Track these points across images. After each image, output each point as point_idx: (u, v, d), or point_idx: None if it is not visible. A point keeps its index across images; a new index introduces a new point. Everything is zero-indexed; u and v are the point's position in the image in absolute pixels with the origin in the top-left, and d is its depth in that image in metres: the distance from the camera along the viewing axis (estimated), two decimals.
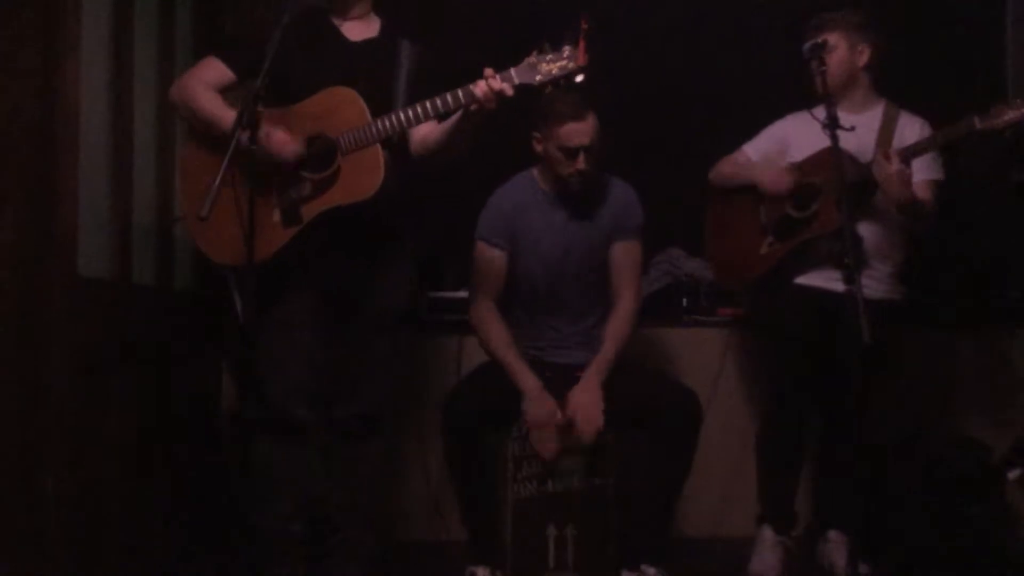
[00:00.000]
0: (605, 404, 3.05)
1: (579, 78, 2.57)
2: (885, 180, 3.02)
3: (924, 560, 3.20)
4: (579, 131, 3.09)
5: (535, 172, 3.28)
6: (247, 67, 2.75)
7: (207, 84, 2.75)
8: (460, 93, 2.60)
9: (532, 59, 2.58)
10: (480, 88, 2.56)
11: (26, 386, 2.51)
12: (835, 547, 3.19)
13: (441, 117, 2.68)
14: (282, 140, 2.66)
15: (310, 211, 2.67)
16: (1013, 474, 3.28)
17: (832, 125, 2.84)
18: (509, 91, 2.56)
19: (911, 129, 3.22)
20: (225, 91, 2.77)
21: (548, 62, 2.57)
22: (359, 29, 2.85)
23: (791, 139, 3.33)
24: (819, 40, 3.03)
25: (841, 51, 3.20)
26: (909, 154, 3.04)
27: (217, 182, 2.30)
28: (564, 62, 2.56)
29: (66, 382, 2.60)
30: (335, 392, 2.84)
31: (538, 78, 2.57)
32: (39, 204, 2.56)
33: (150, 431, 3.05)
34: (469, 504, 3.12)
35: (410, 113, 2.64)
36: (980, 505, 3.27)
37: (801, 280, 3.23)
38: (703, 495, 3.58)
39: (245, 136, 2.41)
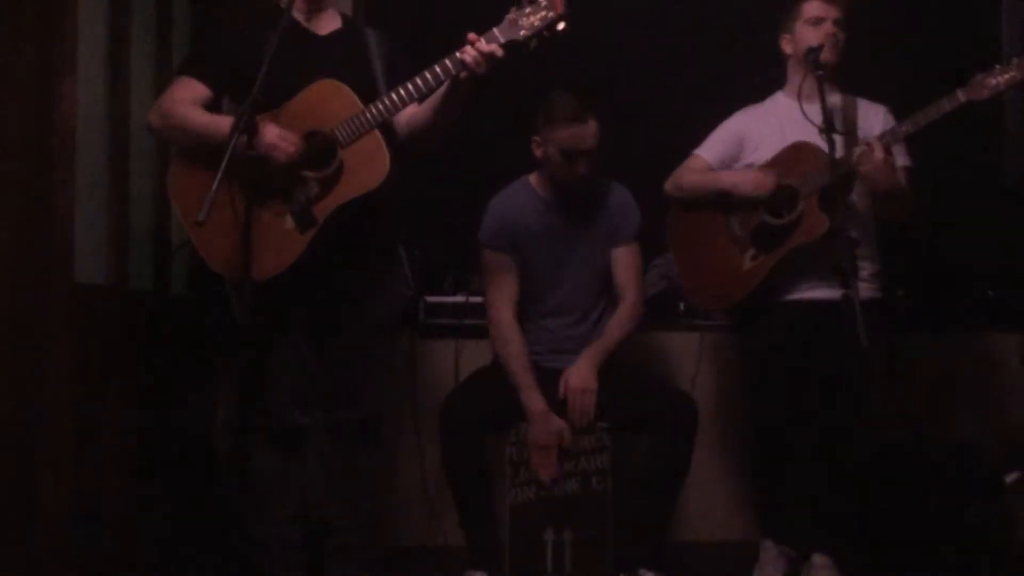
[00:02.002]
0: (601, 403, 3.06)
1: (561, 26, 2.54)
2: (871, 170, 2.92)
3: (922, 563, 3.21)
4: (580, 135, 3.08)
5: (532, 178, 3.29)
6: (221, 81, 2.74)
7: (187, 102, 2.71)
8: (448, 63, 2.58)
9: (512, 15, 2.56)
10: (468, 54, 2.53)
11: (23, 392, 2.51)
12: (820, 573, 3.07)
13: (433, 91, 2.63)
14: (274, 136, 2.58)
15: (323, 210, 2.63)
16: (1011, 478, 3.28)
17: (829, 129, 2.83)
18: (499, 51, 2.54)
19: (875, 117, 3.13)
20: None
21: (528, 15, 2.55)
22: (325, 23, 2.83)
23: (747, 137, 3.19)
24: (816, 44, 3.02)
25: (844, 32, 3.09)
26: (891, 140, 2.95)
27: (215, 186, 2.29)
28: (543, 12, 2.54)
29: (62, 388, 2.60)
30: (332, 397, 2.84)
31: (522, 33, 2.55)
32: (36, 210, 2.55)
33: (147, 438, 3.04)
34: (467, 508, 3.11)
35: (402, 92, 2.61)
36: (978, 509, 3.27)
37: (787, 297, 3.09)
38: (701, 499, 3.58)
39: (242, 141, 2.40)
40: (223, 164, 2.33)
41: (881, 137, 2.95)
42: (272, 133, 2.58)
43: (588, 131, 3.09)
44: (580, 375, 3.09)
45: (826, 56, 3.02)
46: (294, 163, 2.63)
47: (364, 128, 2.62)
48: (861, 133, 3.08)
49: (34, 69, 2.54)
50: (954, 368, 3.70)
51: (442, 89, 2.65)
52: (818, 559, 3.09)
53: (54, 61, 2.59)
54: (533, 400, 3.08)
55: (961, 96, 2.86)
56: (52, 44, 2.58)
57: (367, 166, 2.63)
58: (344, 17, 2.88)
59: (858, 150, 2.94)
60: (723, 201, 3.16)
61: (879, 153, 2.90)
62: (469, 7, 2.68)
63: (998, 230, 3.80)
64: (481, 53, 2.53)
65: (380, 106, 2.62)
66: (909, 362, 3.59)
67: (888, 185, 2.95)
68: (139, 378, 3.01)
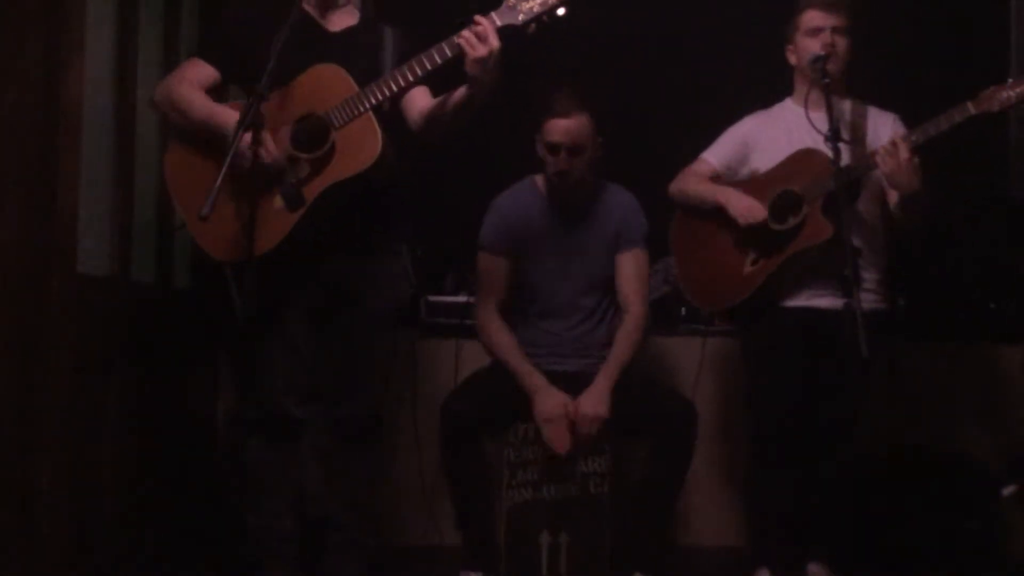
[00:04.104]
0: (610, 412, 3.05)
1: (561, 11, 2.52)
2: (895, 170, 2.86)
3: (918, 574, 3.20)
4: (560, 128, 3.06)
5: (538, 178, 3.28)
6: (231, 66, 2.74)
7: (193, 83, 2.72)
8: (444, 46, 2.57)
9: (511, 1, 2.55)
10: (464, 37, 2.53)
11: (22, 382, 2.50)
12: None
13: (428, 76, 2.62)
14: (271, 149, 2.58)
15: (312, 191, 2.63)
16: (1008, 490, 3.28)
17: (834, 138, 2.82)
18: (495, 37, 2.52)
19: (884, 125, 3.10)
20: (210, 92, 2.74)
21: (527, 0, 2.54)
22: (339, 19, 2.83)
23: (753, 143, 3.18)
24: (822, 54, 3.02)
25: (847, 39, 3.07)
26: (912, 143, 2.90)
27: (219, 181, 2.29)
28: None
29: (63, 378, 2.59)
30: (332, 391, 2.83)
31: (521, 17, 2.54)
32: (40, 200, 2.55)
33: (146, 429, 3.04)
34: (464, 509, 3.11)
35: (398, 76, 2.60)
36: (975, 520, 3.27)
37: (789, 303, 3.06)
38: (699, 504, 3.58)
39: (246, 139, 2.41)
40: (227, 160, 2.33)
41: (905, 137, 2.91)
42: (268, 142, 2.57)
43: (571, 125, 3.06)
44: (593, 402, 3.04)
45: (827, 65, 3.01)
46: (285, 147, 2.63)
47: (358, 111, 2.61)
48: (870, 140, 3.06)
49: (40, 57, 2.54)
50: (954, 379, 3.69)
51: (459, 92, 2.64)
52: (814, 568, 3.08)
53: (61, 50, 2.59)
54: (532, 377, 3.08)
55: (971, 108, 2.84)
56: (59, 33, 2.58)
57: (358, 148, 2.62)
58: (364, 14, 2.88)
59: (882, 149, 2.90)
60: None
61: (904, 153, 2.85)
62: None
63: (1001, 241, 3.80)
64: (477, 35, 2.52)
65: (375, 89, 2.61)
66: (909, 372, 3.59)
67: (910, 186, 2.90)
68: (140, 369, 3.01)
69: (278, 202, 2.64)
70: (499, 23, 2.54)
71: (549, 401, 3.04)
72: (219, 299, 2.83)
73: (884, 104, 3.19)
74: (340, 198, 2.64)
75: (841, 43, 3.05)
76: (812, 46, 3.06)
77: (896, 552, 3.24)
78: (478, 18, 2.54)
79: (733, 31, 3.93)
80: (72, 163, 2.65)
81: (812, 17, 3.09)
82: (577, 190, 3.18)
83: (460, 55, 2.55)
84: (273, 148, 2.60)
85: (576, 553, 3.06)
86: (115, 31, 2.99)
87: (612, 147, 3.22)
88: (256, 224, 2.50)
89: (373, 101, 2.61)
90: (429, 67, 2.59)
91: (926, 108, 2.97)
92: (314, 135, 2.63)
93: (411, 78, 2.61)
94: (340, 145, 2.62)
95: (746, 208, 3.06)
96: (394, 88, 2.61)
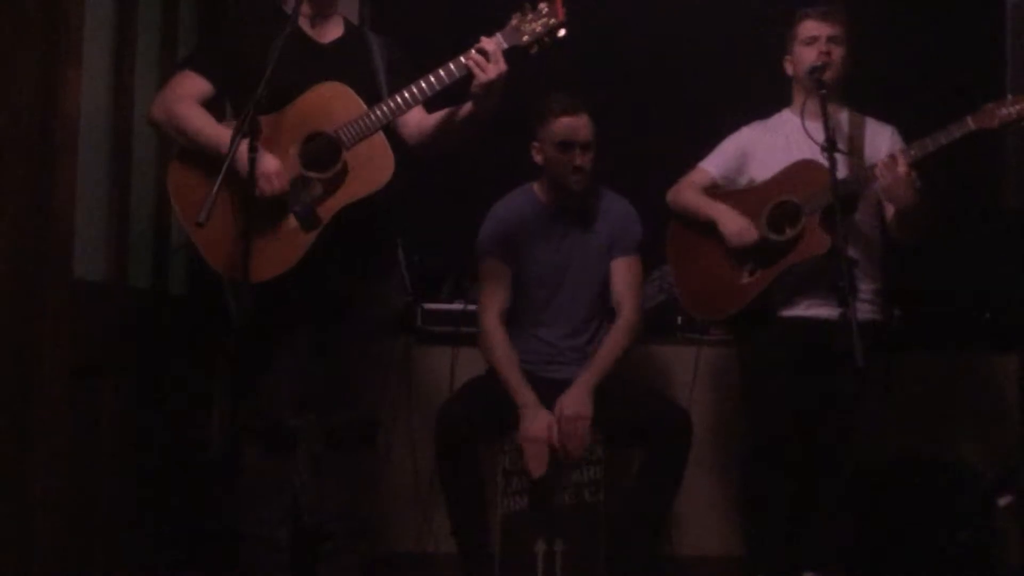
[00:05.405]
0: (595, 415, 3.04)
1: (561, 32, 2.63)
2: (892, 184, 2.88)
3: None
4: (575, 125, 3.12)
5: (535, 186, 3.30)
6: (224, 77, 2.74)
7: (190, 99, 2.71)
8: (452, 66, 2.62)
9: (515, 22, 2.63)
10: (473, 59, 2.58)
11: (17, 387, 2.50)
12: None
13: (437, 93, 2.66)
14: (269, 169, 2.59)
15: (327, 211, 2.64)
16: (1003, 500, 3.28)
17: (831, 148, 2.83)
18: (503, 60, 2.57)
19: (882, 137, 3.12)
20: (206, 105, 2.74)
21: (531, 21, 2.62)
22: (328, 31, 2.84)
23: (751, 153, 3.20)
24: (818, 64, 3.03)
25: (844, 49, 3.09)
26: (911, 157, 2.91)
27: (215, 188, 2.29)
28: (545, 19, 2.62)
29: (59, 382, 2.59)
30: (327, 400, 2.83)
31: (524, 38, 2.63)
32: (36, 205, 2.54)
33: (141, 435, 3.04)
34: (459, 516, 3.11)
35: (407, 95, 2.63)
36: (970, 530, 3.27)
37: (786, 313, 3.07)
38: (694, 513, 3.58)
39: (243, 146, 2.41)
40: (224, 168, 2.34)
41: (903, 151, 2.92)
42: (268, 166, 2.58)
43: (581, 121, 3.12)
44: (574, 402, 3.05)
45: (823, 75, 3.02)
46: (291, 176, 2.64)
47: (369, 130, 2.63)
48: (868, 152, 3.07)
49: (38, 63, 2.54)
50: (950, 389, 3.70)
51: (463, 111, 2.68)
52: None
53: (59, 55, 2.58)
54: (522, 394, 3.07)
55: (971, 123, 2.85)
56: (57, 38, 2.58)
57: (372, 167, 2.64)
58: (347, 22, 2.89)
59: (880, 162, 2.91)
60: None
61: (902, 168, 2.87)
62: (473, 13, 2.71)
63: (995, 251, 3.80)
64: (485, 57, 2.56)
65: (385, 108, 2.63)
66: (905, 382, 3.60)
67: (906, 200, 2.92)
68: (136, 374, 3.01)
69: (292, 222, 2.65)
70: (505, 45, 2.60)
71: (535, 422, 3.04)
72: (217, 307, 2.83)
73: (877, 117, 3.20)
74: (352, 217, 2.65)
75: (837, 52, 3.07)
76: (808, 55, 3.09)
77: (892, 561, 3.24)
78: (485, 40, 2.58)
79: (733, 40, 3.93)
80: (69, 168, 2.64)
81: (808, 27, 3.12)
82: (577, 196, 3.20)
83: (468, 76, 2.58)
84: (280, 174, 2.60)
85: (571, 561, 3.06)
86: (112, 38, 2.98)
87: (610, 155, 3.23)
88: (270, 245, 2.53)
89: (384, 120, 2.63)
90: (437, 87, 2.63)
91: (920, 121, 2.98)
92: (324, 154, 2.64)
93: (420, 97, 2.64)
94: (353, 164, 2.64)
95: (738, 231, 3.09)
96: (403, 107, 2.64)
